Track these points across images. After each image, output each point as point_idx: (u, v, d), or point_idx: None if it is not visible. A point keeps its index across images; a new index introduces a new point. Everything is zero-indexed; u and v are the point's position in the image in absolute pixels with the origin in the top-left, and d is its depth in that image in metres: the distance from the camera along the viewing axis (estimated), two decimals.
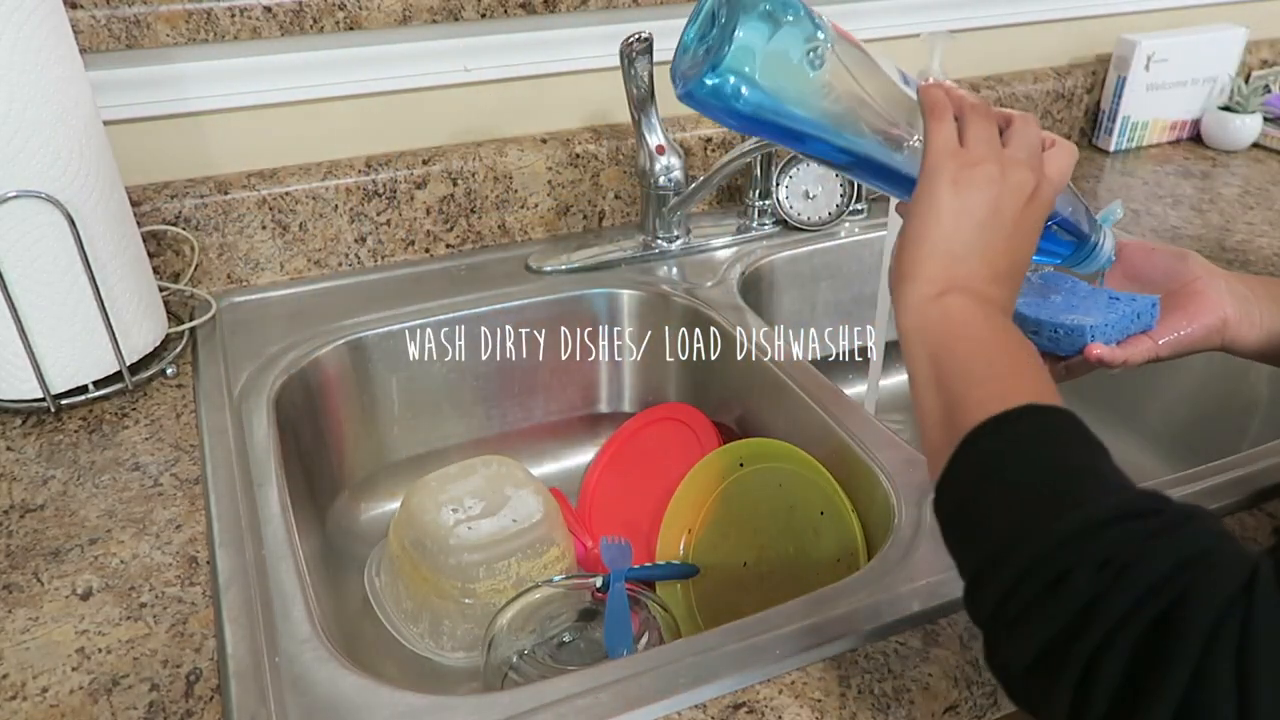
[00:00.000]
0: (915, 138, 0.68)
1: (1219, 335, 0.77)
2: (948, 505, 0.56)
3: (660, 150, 1.21)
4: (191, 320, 1.08)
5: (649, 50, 1.13)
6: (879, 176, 0.69)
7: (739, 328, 1.11)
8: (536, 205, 1.29)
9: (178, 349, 1.04)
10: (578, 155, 1.28)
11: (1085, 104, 1.62)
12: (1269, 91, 1.63)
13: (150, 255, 1.05)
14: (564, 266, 1.22)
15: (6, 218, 0.85)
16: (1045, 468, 0.52)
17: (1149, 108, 1.60)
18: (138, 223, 1.02)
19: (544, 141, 1.27)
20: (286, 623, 0.72)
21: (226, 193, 1.13)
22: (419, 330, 1.13)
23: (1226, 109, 1.61)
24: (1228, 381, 1.11)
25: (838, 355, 1.38)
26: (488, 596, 0.96)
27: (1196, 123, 1.66)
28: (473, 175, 1.23)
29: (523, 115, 1.29)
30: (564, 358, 1.22)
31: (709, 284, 1.20)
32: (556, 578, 0.96)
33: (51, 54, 0.85)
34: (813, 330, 1.35)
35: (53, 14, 0.85)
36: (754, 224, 1.32)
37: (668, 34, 1.25)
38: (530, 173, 1.26)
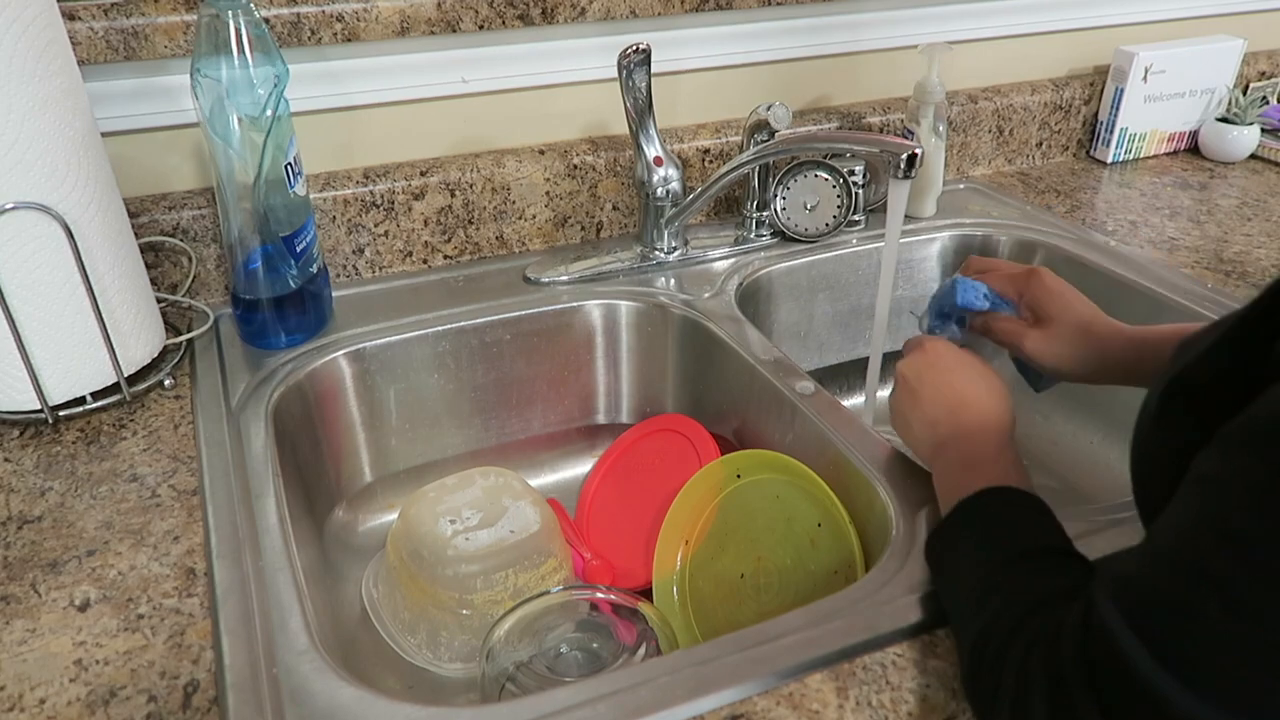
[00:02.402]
0: None
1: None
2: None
3: (658, 161, 1.21)
4: (189, 331, 1.08)
5: (647, 61, 1.13)
6: None
7: (736, 339, 1.12)
8: (534, 216, 1.29)
9: (175, 360, 1.04)
10: (575, 166, 1.28)
11: (1083, 115, 1.62)
12: (1266, 103, 1.63)
13: (148, 266, 1.05)
14: (562, 278, 1.23)
15: (4, 229, 0.85)
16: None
17: (1147, 119, 1.60)
18: (135, 234, 1.02)
19: (542, 152, 1.28)
20: (284, 634, 0.72)
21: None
22: (417, 342, 1.13)
23: (1224, 120, 1.61)
24: None
25: (835, 367, 1.38)
26: (485, 608, 0.96)
27: (1194, 134, 1.66)
28: (471, 186, 1.23)
29: (521, 126, 1.29)
30: (562, 369, 1.22)
31: (707, 295, 1.20)
32: (555, 589, 0.96)
33: (49, 66, 0.85)
34: (810, 341, 1.35)
35: (50, 26, 0.85)
36: (751, 235, 1.32)
37: (665, 45, 1.26)
38: (528, 184, 1.26)
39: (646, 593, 1.06)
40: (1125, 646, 0.51)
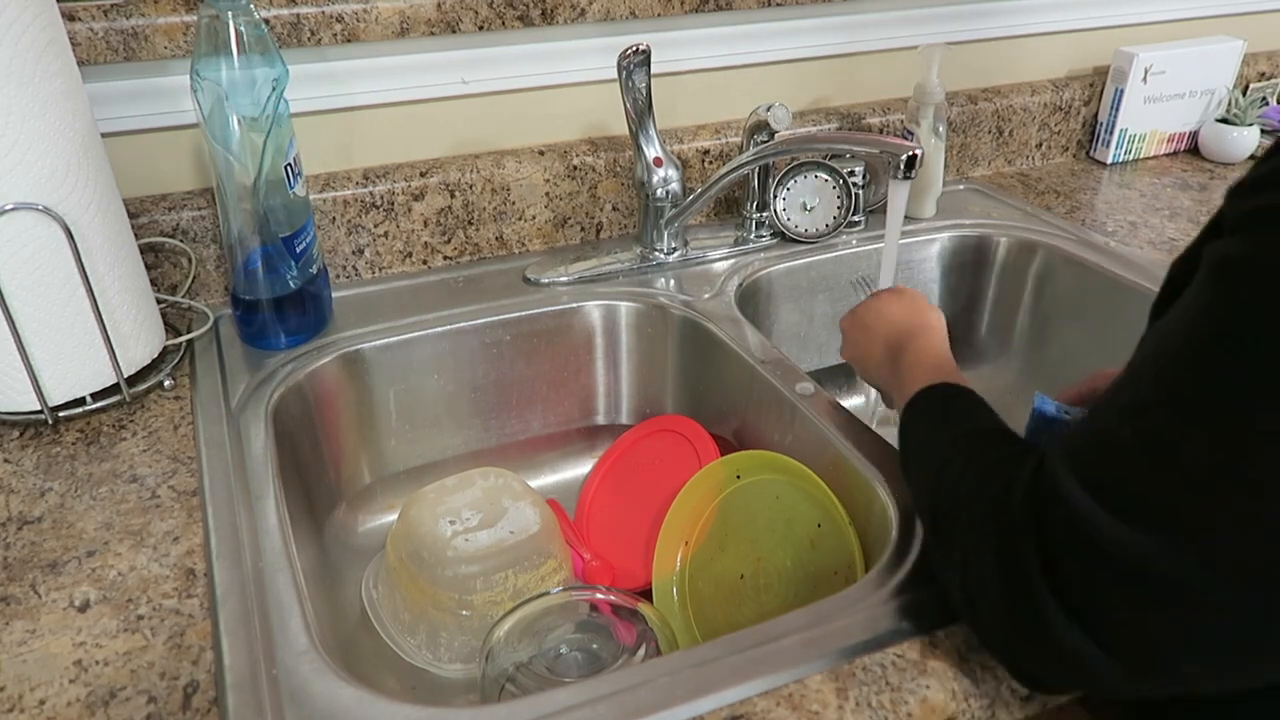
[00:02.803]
0: None
1: None
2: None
3: (658, 162, 1.21)
4: (189, 332, 1.08)
5: (646, 62, 1.13)
6: None
7: (736, 340, 1.12)
8: (534, 217, 1.29)
9: (175, 361, 1.04)
10: (575, 167, 1.28)
11: (1083, 116, 1.62)
12: (1266, 104, 1.63)
13: (148, 267, 1.05)
14: (561, 278, 1.23)
15: (4, 230, 0.85)
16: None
17: (1146, 120, 1.60)
18: (135, 234, 1.02)
19: (542, 153, 1.28)
20: (284, 635, 0.72)
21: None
22: (416, 342, 1.13)
23: (1224, 121, 1.61)
24: None
25: (835, 368, 1.38)
26: (485, 608, 0.96)
27: (1194, 135, 1.66)
28: (470, 187, 1.23)
29: (520, 127, 1.29)
30: (561, 370, 1.22)
31: (706, 296, 1.20)
32: (555, 589, 0.96)
33: (49, 66, 0.85)
34: (810, 342, 1.35)
35: (50, 26, 0.85)
36: (751, 236, 1.32)
37: (665, 46, 1.26)
38: (528, 184, 1.26)
39: (646, 593, 1.06)
40: (1063, 483, 0.55)
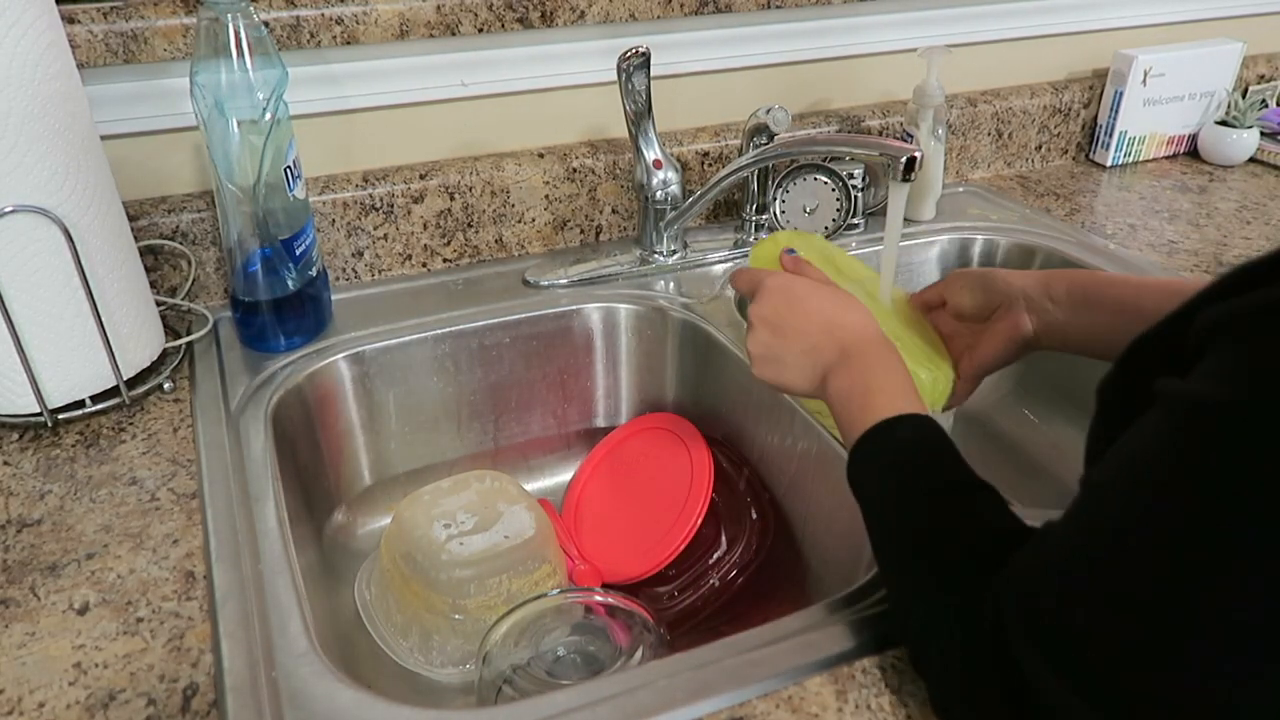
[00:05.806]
0: None
1: (1021, 349, 0.91)
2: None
3: (657, 164, 1.21)
4: (189, 335, 1.08)
5: (646, 65, 1.13)
6: None
7: (736, 342, 1.11)
8: (534, 219, 1.29)
9: (175, 363, 1.04)
10: (575, 169, 1.28)
11: (1082, 119, 1.62)
12: (1266, 106, 1.63)
13: (147, 269, 1.05)
14: (561, 281, 1.23)
15: (3, 232, 0.85)
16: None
17: (1146, 122, 1.60)
18: (135, 237, 1.02)
19: (541, 156, 1.28)
20: (283, 637, 0.72)
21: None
22: (416, 345, 1.13)
23: (1224, 123, 1.61)
24: None
25: None
26: (478, 613, 0.96)
27: (1194, 137, 1.66)
28: (470, 189, 1.23)
29: (520, 130, 1.29)
30: (561, 372, 1.22)
31: (706, 298, 1.20)
32: (553, 591, 0.96)
33: (49, 69, 0.85)
34: None
35: (50, 29, 0.85)
36: (751, 238, 1.32)
37: (665, 48, 1.26)
38: (527, 187, 1.26)
39: (633, 588, 1.06)
40: (1020, 644, 0.53)
